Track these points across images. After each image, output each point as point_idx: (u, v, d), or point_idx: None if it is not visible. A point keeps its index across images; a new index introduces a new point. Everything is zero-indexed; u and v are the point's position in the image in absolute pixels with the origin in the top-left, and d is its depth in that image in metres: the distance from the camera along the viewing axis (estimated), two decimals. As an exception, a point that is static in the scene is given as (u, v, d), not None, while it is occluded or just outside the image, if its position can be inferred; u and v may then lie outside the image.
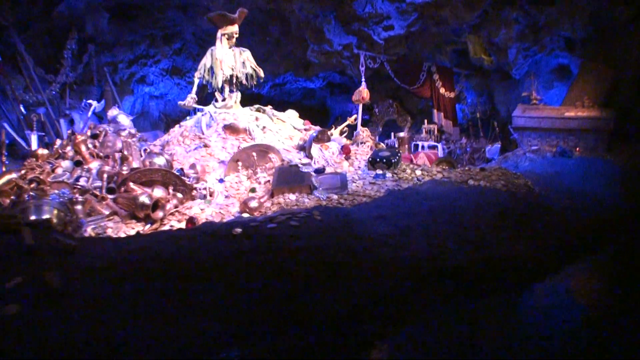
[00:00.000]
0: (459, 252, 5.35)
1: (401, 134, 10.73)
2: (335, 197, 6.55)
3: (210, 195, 7.07)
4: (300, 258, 4.41)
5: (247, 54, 9.12)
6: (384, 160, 7.27)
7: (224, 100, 8.93)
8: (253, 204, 6.54)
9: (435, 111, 13.66)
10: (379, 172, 7.24)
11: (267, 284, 4.11)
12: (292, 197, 6.62)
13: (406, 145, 10.52)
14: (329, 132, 8.44)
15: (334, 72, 16.01)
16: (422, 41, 13.13)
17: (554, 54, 11.74)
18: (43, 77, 9.92)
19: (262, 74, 9.23)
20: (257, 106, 9.19)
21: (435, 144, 11.65)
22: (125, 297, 3.71)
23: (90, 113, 9.93)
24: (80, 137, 7.35)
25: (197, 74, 9.01)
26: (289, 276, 4.21)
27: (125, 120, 10.14)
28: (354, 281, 4.43)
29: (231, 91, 9.03)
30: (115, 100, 11.62)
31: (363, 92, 9.73)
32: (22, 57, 9.42)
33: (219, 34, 8.92)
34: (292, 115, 9.37)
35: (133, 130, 8.14)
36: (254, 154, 7.31)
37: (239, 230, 4.75)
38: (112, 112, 10.20)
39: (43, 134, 9.45)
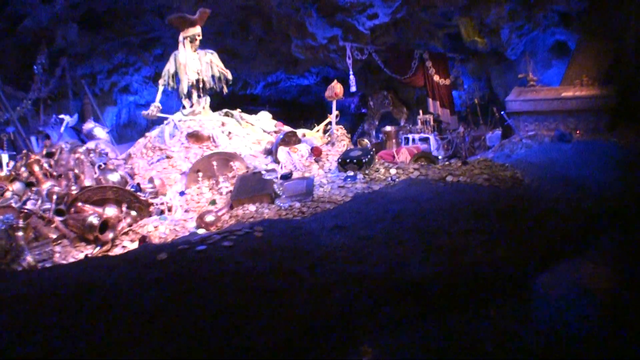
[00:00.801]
0: (425, 262, 4.76)
1: (387, 128, 10.13)
2: (297, 205, 6.02)
3: (169, 210, 6.63)
4: (226, 284, 3.91)
5: (212, 56, 8.64)
6: (354, 160, 6.71)
7: (192, 106, 8.47)
8: (209, 218, 6.07)
9: (430, 100, 13.00)
10: (350, 173, 6.69)
11: (186, 316, 3.62)
12: (252, 208, 6.11)
13: (393, 140, 9.91)
14: (301, 134, 7.92)
15: (327, 67, 15.46)
16: (411, 28, 12.47)
17: (550, 30, 10.99)
18: (13, 94, 9.61)
19: (230, 76, 8.74)
20: (225, 110, 8.71)
21: (427, 135, 11.01)
22: (22, 337, 3.30)
23: (62, 128, 9.59)
24: (34, 157, 6.97)
25: (161, 81, 8.57)
26: (212, 306, 3.72)
27: (101, 133, 9.81)
28: (294, 306, 3.91)
29: (199, 96, 8.57)
30: (95, 113, 11.27)
31: (336, 87, 9.16)
32: (-12, 75, 9.14)
33: (180, 38, 8.47)
34: (264, 117, 8.86)
35: (92, 145, 7.74)
36: (215, 162, 6.82)
37: (163, 255, 4.27)
38: (88, 125, 9.88)
39: (14, 153, 9.14)
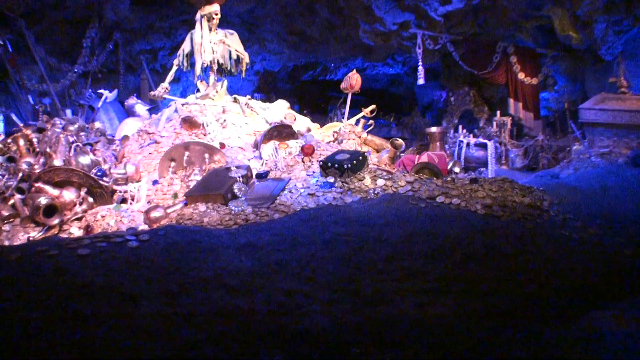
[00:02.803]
0: (332, 306, 3.73)
1: (433, 129, 8.79)
2: (249, 210, 5.24)
3: (132, 200, 6.18)
4: (41, 302, 3.27)
5: (228, 37, 8.02)
6: (336, 165, 5.73)
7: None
8: (155, 213, 5.50)
9: (511, 101, 11.29)
10: (330, 180, 5.74)
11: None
12: (202, 208, 5.44)
13: (438, 143, 8.57)
14: (305, 127, 7.00)
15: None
16: (494, 17, 10.86)
17: (655, 28, 8.88)
18: (57, 67, 9.82)
19: (247, 59, 8.08)
20: (234, 96, 8.07)
21: (485, 141, 9.45)
22: None
23: (101, 103, 9.61)
24: (23, 131, 6.90)
25: (175, 61, 8.16)
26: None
27: (142, 110, 9.71)
28: (103, 343, 3.15)
29: (218, 79, 8.00)
30: (151, 89, 11.24)
31: (352, 78, 8.04)
32: (34, 47, 9.36)
33: (197, 16, 7.95)
34: (277, 107, 8.06)
35: (97, 124, 7.54)
36: (187, 152, 6.23)
37: (16, 254, 3.76)
38: (130, 101, 9.84)
39: (47, 124, 9.31)
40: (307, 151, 6.35)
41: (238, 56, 8.03)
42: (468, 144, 9.24)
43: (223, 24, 12.38)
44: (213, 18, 7.89)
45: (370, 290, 3.88)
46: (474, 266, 4.19)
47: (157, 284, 3.67)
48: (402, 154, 8.15)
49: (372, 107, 8.59)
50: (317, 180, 5.87)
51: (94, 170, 6.29)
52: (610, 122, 7.82)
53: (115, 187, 6.24)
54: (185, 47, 8.12)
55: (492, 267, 4.21)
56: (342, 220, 4.76)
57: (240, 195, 5.61)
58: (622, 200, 6.01)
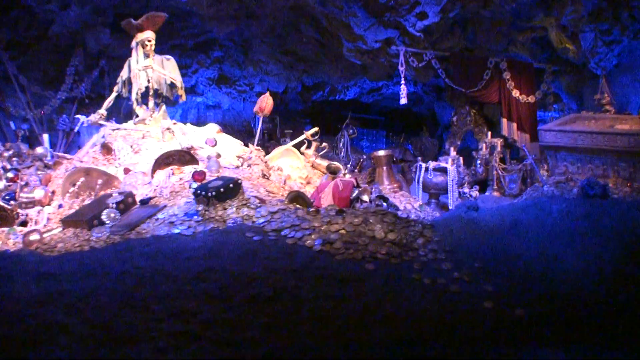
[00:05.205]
0: (79, 343, 3.51)
1: (379, 153, 8.20)
2: (104, 238, 5.23)
3: (35, 223, 6.35)
4: None
5: (166, 63, 8.08)
6: (203, 193, 5.54)
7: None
8: (32, 237, 5.63)
9: (504, 121, 10.40)
10: (199, 208, 5.55)
11: None
12: (70, 233, 5.52)
13: (384, 167, 7.97)
14: (216, 153, 6.80)
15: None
16: (483, 31, 10.10)
17: (646, 38, 7.79)
18: (41, 94, 10.39)
19: (178, 83, 8.09)
20: (162, 121, 8.07)
21: (445, 165, 8.69)
22: None
23: (77, 128, 10.00)
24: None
25: (115, 88, 8.36)
26: None
27: (119, 131, 9.99)
28: None
29: (156, 105, 8.09)
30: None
31: (263, 100, 7.69)
32: (16, 77, 10.00)
33: (133, 43, 8.10)
34: (204, 131, 7.94)
35: (41, 150, 7.88)
36: (82, 178, 6.29)
37: None
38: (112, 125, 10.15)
39: (26, 149, 9.81)
40: (197, 177, 6.19)
41: (173, 82, 8.11)
42: (427, 169, 8.56)
43: (211, 47, 12.55)
44: (146, 45, 8.01)
45: (124, 329, 3.64)
46: (252, 310, 3.80)
47: None
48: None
49: (314, 129, 8.25)
50: (188, 208, 5.71)
51: (2, 194, 6.54)
52: (572, 146, 6.90)
53: (19, 210, 6.42)
54: (124, 74, 8.32)
55: (272, 313, 3.78)
56: (154, 252, 4.55)
57: (107, 222, 5.58)
58: (523, 240, 5.16)
